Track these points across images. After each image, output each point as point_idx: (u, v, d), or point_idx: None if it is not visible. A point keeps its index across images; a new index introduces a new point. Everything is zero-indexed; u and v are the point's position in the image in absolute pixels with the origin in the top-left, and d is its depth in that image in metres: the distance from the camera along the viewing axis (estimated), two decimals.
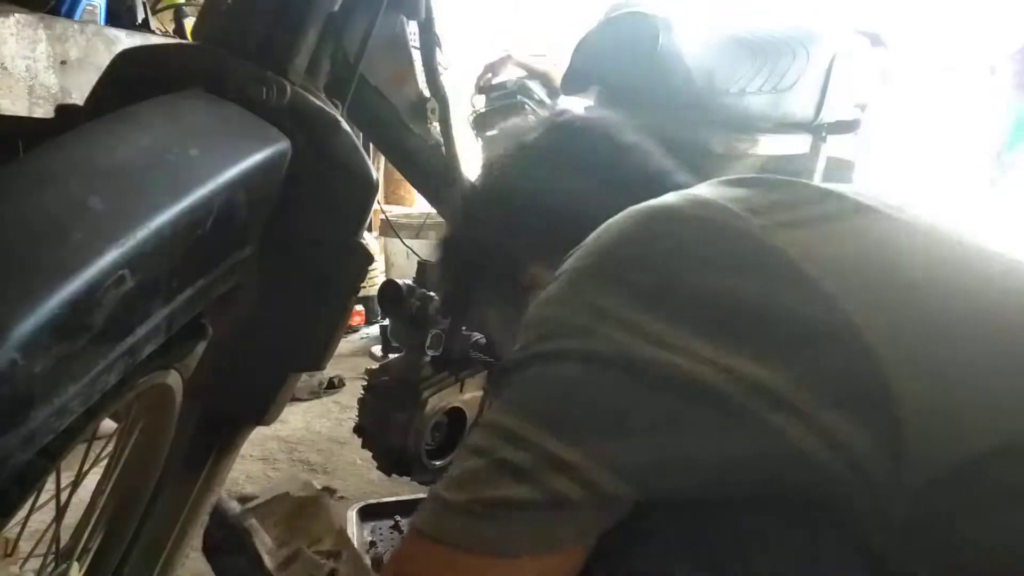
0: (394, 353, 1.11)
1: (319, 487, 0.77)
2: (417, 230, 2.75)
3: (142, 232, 0.46)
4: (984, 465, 0.35)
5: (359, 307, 2.95)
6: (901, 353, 0.36)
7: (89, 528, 0.83)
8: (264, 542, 0.67)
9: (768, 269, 0.38)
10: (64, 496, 0.78)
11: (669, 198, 0.46)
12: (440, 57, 0.93)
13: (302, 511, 0.73)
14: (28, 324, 0.40)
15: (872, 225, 0.44)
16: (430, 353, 0.99)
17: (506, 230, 0.64)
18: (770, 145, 1.49)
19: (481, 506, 0.37)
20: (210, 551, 0.71)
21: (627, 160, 0.63)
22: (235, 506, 0.71)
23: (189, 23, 2.16)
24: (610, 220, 0.45)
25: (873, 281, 0.39)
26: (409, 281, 1.00)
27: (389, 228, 2.74)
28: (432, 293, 0.98)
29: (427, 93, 0.93)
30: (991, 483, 0.35)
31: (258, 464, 1.70)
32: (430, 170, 0.98)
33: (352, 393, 2.19)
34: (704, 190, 0.47)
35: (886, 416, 0.35)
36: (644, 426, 0.37)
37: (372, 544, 1.21)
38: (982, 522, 0.35)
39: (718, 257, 0.40)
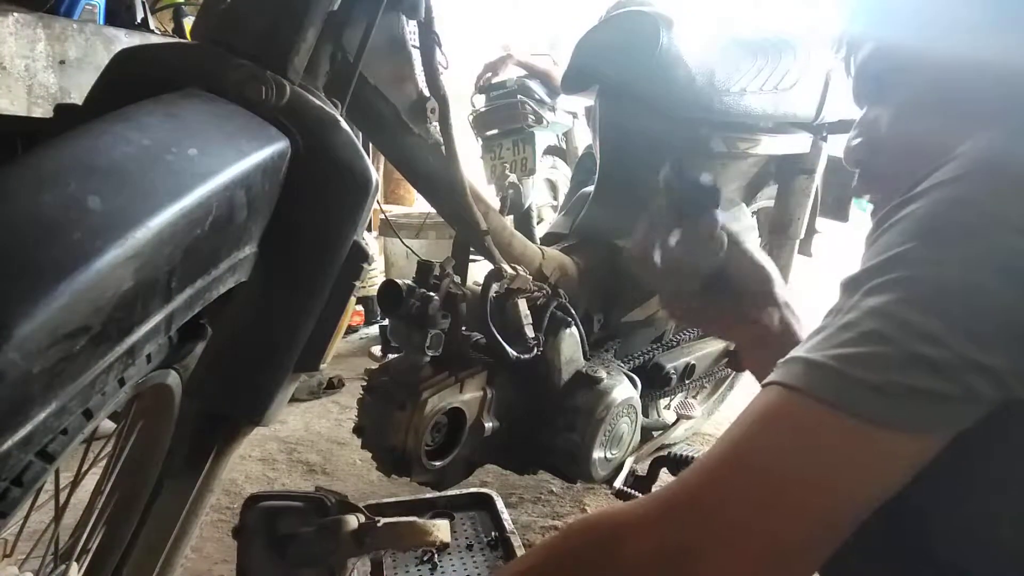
0: (394, 353, 1.11)
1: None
2: (417, 230, 2.75)
3: (141, 232, 0.46)
4: None
5: (359, 307, 2.95)
6: None
7: (88, 528, 0.83)
8: None
9: None
10: (63, 496, 0.78)
11: None
12: (440, 57, 0.92)
13: None
14: (28, 324, 0.39)
15: None
16: (430, 353, 0.99)
17: None
18: (771, 144, 1.49)
19: (897, 388, 0.41)
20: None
21: None
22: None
23: (188, 22, 2.16)
24: None
25: None
26: (409, 281, 1.00)
27: (389, 228, 2.74)
28: (432, 293, 0.98)
29: (427, 92, 0.93)
30: None
31: (258, 464, 1.70)
32: (430, 170, 0.98)
33: (352, 393, 2.19)
34: None
35: None
36: None
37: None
38: None
39: None
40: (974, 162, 0.44)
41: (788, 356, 0.46)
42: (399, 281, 0.98)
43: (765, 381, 0.47)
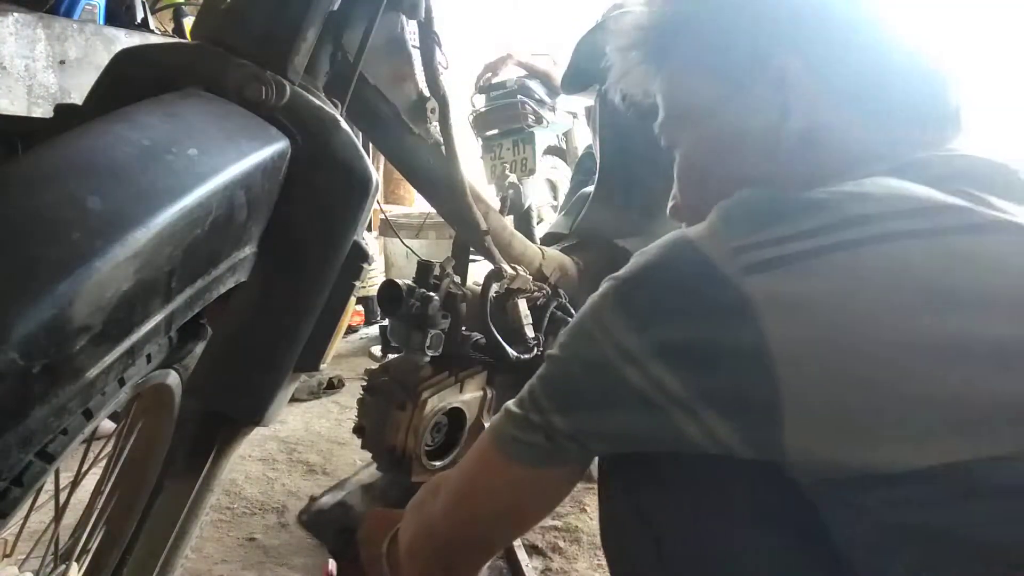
0: (394, 353, 1.11)
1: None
2: (417, 230, 2.75)
3: (141, 232, 0.46)
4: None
5: (359, 307, 2.95)
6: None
7: (88, 528, 0.83)
8: None
9: (729, 316, 0.44)
10: (63, 496, 0.78)
11: (669, 243, 0.50)
12: (440, 57, 0.92)
13: None
14: (28, 324, 0.39)
15: (861, 258, 0.44)
16: (430, 353, 0.99)
17: None
18: None
19: (519, 438, 0.56)
20: None
21: None
22: None
23: (188, 22, 2.16)
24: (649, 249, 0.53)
25: (814, 319, 0.43)
26: (409, 281, 1.00)
27: (389, 228, 2.74)
28: (432, 293, 0.98)
29: (427, 92, 0.93)
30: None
31: (258, 464, 1.70)
32: (430, 170, 0.98)
33: (352, 393, 2.19)
34: (704, 229, 0.49)
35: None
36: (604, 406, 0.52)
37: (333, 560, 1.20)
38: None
39: (689, 307, 0.47)
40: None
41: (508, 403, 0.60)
42: (399, 281, 0.98)
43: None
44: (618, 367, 0.48)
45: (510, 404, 0.59)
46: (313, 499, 1.19)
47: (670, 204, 0.69)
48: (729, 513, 0.49)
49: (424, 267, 1.02)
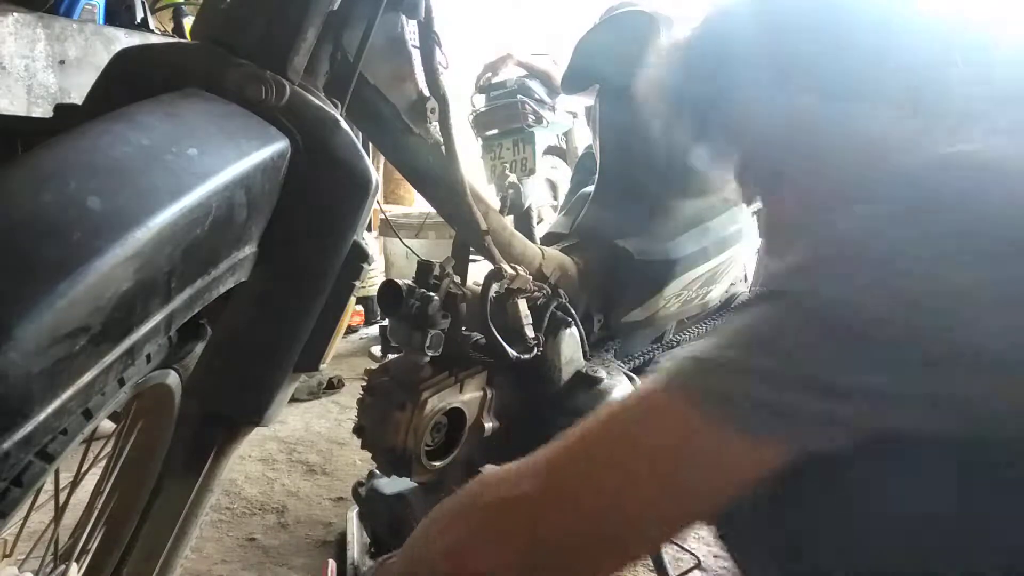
0: (393, 353, 1.11)
1: None
2: (417, 230, 2.75)
3: (141, 232, 0.46)
4: None
5: (359, 307, 2.95)
6: None
7: (88, 528, 0.83)
8: None
9: None
10: (63, 496, 0.78)
11: None
12: (440, 57, 0.92)
13: None
14: (28, 324, 0.39)
15: None
16: (430, 353, 0.99)
17: None
18: None
19: (752, 400, 0.42)
20: None
21: None
22: None
23: (188, 22, 2.16)
24: None
25: None
26: (409, 281, 1.00)
27: (389, 228, 2.74)
28: (432, 293, 0.97)
29: (427, 92, 0.93)
30: None
31: (258, 464, 1.70)
32: (430, 170, 0.98)
33: (351, 393, 2.19)
34: None
35: None
36: None
37: (371, 545, 1.21)
38: None
39: None
40: (886, 185, 0.45)
41: (681, 352, 0.48)
42: (399, 281, 0.98)
43: (655, 369, 0.48)
44: None
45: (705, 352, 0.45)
46: (372, 475, 1.19)
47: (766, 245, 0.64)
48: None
49: (424, 267, 1.02)
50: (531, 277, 1.10)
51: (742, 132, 0.61)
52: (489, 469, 0.53)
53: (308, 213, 0.65)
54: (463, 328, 1.04)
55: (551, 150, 2.98)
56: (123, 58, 0.65)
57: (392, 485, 1.17)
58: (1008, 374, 0.39)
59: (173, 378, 0.77)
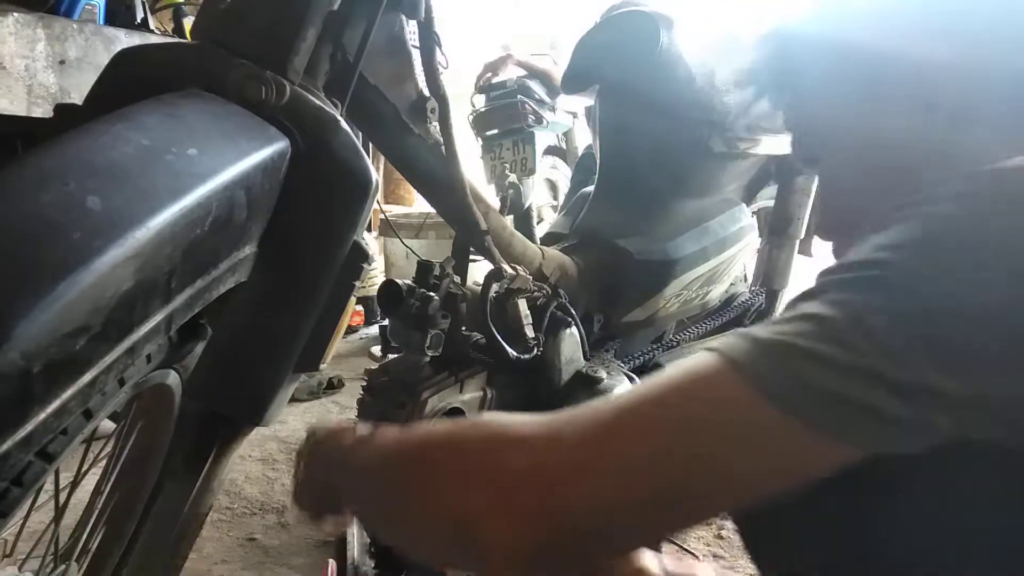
0: (393, 353, 1.11)
1: None
2: (417, 230, 2.75)
3: (141, 232, 0.46)
4: None
5: (359, 307, 2.95)
6: None
7: (88, 528, 0.83)
8: None
9: None
10: (63, 496, 0.78)
11: None
12: (440, 57, 0.92)
13: None
14: (28, 324, 0.39)
15: None
16: (430, 353, 0.99)
17: None
18: (771, 144, 1.49)
19: (834, 395, 0.39)
20: None
21: None
22: None
23: (188, 22, 2.16)
24: None
25: None
26: (409, 281, 1.00)
27: (389, 228, 2.74)
28: (432, 293, 0.97)
29: (427, 92, 0.93)
30: None
31: (258, 464, 1.70)
32: (430, 170, 0.98)
33: (351, 393, 2.19)
34: None
35: None
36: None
37: (371, 545, 1.21)
38: None
39: None
40: (988, 179, 0.43)
41: (740, 331, 0.45)
42: (399, 281, 0.98)
43: (709, 346, 0.45)
44: None
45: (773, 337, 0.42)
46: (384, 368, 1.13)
47: (816, 222, 0.65)
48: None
49: (424, 267, 1.02)
50: (531, 277, 1.10)
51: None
52: (499, 419, 0.48)
53: (308, 213, 0.65)
54: (463, 328, 1.04)
55: (551, 150, 2.98)
56: (123, 58, 0.65)
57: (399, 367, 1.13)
58: None
59: (173, 378, 0.77)
